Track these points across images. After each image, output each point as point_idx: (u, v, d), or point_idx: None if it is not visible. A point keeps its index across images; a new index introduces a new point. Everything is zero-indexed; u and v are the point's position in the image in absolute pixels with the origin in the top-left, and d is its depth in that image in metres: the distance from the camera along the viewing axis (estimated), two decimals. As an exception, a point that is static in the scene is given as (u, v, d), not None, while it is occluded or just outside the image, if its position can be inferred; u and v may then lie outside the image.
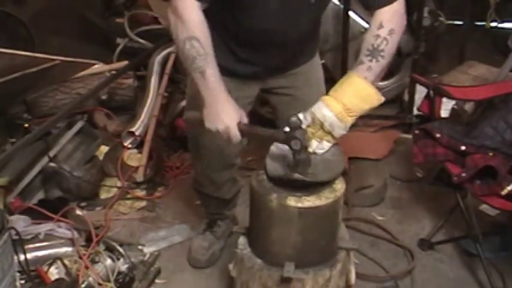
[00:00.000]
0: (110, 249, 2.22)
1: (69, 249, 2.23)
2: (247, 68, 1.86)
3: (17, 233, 1.94)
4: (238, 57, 1.84)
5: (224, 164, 2.14)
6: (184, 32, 1.56)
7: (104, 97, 3.36)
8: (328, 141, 1.54)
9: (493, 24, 4.03)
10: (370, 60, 1.56)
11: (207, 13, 1.61)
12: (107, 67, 3.42)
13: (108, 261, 2.16)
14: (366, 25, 3.44)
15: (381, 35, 1.58)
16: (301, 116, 1.51)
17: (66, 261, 2.15)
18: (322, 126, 1.52)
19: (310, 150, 1.52)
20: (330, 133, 1.52)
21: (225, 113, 1.56)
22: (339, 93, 1.53)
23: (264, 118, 2.84)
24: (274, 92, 2.01)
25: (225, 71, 1.84)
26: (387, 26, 1.59)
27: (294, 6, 1.68)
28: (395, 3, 1.60)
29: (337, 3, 3.25)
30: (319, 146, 1.53)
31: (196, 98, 1.65)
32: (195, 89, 1.62)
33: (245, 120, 1.59)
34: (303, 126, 1.50)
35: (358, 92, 1.53)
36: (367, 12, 1.65)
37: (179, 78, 3.57)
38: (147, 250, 2.36)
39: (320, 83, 2.07)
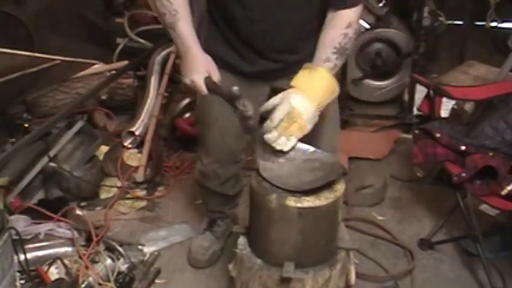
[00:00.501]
0: (110, 249, 2.22)
1: (69, 249, 2.23)
2: (250, 67, 1.86)
3: (17, 233, 1.94)
4: (240, 54, 1.84)
5: (230, 159, 2.14)
6: None
7: (104, 97, 3.36)
8: (297, 136, 1.54)
9: (493, 24, 4.04)
10: (337, 58, 1.61)
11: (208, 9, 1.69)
12: (107, 67, 3.42)
13: (108, 261, 2.16)
14: (366, 25, 3.46)
15: (349, 34, 1.62)
16: (276, 111, 1.52)
17: (66, 261, 2.14)
18: (298, 119, 1.51)
19: (278, 147, 1.53)
20: (302, 128, 1.53)
21: (193, 67, 1.66)
22: (313, 87, 1.55)
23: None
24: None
25: (231, 69, 1.86)
26: (354, 26, 1.63)
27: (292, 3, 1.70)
28: (359, 6, 1.65)
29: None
30: (288, 143, 1.53)
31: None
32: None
33: (216, 75, 1.66)
34: (275, 121, 1.51)
35: (328, 88, 1.58)
36: (331, 9, 1.65)
37: (179, 78, 3.57)
38: (147, 250, 2.36)
39: None
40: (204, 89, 1.64)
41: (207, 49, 1.77)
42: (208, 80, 1.64)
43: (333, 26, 1.64)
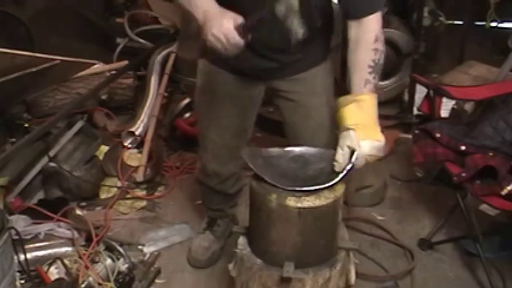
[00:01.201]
0: (110, 249, 2.22)
1: (69, 249, 2.23)
2: (247, 66, 1.84)
3: (17, 233, 1.94)
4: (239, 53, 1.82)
5: (230, 156, 2.14)
6: None
7: (104, 97, 3.36)
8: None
9: (493, 24, 4.02)
10: (374, 78, 1.57)
11: None
12: (107, 67, 3.41)
13: (108, 261, 2.16)
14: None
15: (379, 48, 1.58)
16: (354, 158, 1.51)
17: (66, 261, 2.14)
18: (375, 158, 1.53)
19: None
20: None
21: (218, 19, 1.49)
22: (370, 121, 1.53)
23: (264, 118, 2.83)
24: (278, 95, 1.98)
25: (229, 68, 1.85)
26: (381, 38, 1.59)
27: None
28: (379, 13, 1.60)
29: (337, 3, 3.24)
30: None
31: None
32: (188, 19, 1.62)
33: (240, 20, 1.50)
34: (355, 167, 1.51)
35: (375, 110, 1.56)
36: (353, 20, 1.60)
37: (179, 78, 3.57)
38: (147, 250, 2.37)
39: (328, 92, 1.98)
40: (238, 38, 1.47)
41: (205, 49, 1.74)
42: (238, 27, 1.48)
43: (360, 45, 1.59)
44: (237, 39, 1.47)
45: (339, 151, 1.52)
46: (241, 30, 1.48)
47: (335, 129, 1.74)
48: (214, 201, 2.35)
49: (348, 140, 1.51)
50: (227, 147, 2.09)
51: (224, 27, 1.46)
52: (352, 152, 1.50)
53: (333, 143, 1.59)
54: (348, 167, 1.51)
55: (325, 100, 1.95)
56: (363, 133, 1.51)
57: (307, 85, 1.92)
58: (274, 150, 1.63)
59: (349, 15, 1.63)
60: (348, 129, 1.52)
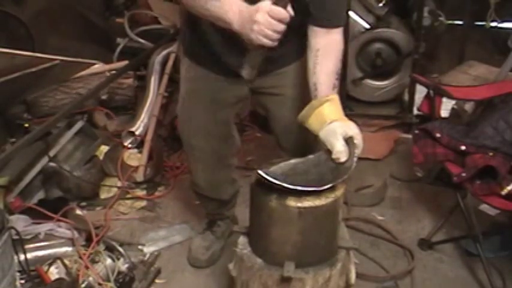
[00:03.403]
0: (110, 249, 2.22)
1: (69, 249, 2.23)
2: (230, 65, 1.81)
3: (17, 233, 1.95)
4: (223, 53, 1.81)
5: (220, 164, 2.15)
6: None
7: (104, 97, 3.36)
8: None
9: (493, 24, 4.02)
10: (339, 83, 1.69)
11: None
12: (107, 67, 3.41)
13: (108, 261, 2.16)
14: (366, 25, 3.46)
15: (340, 58, 1.69)
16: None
17: (66, 261, 2.15)
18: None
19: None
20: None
21: (254, 10, 1.47)
22: (343, 115, 1.61)
23: (264, 118, 2.83)
24: (264, 92, 1.98)
25: (215, 68, 1.86)
26: (342, 47, 1.71)
27: None
28: (341, 28, 1.71)
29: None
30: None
31: (196, 82, 1.76)
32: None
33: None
34: (359, 148, 1.54)
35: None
36: (318, 28, 1.68)
37: (179, 78, 3.57)
38: (147, 250, 2.36)
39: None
40: (283, 12, 1.47)
41: (191, 50, 1.78)
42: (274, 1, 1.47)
43: (330, 55, 1.67)
44: (283, 12, 1.47)
45: (336, 142, 1.52)
46: (278, 3, 1.48)
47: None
48: (211, 208, 2.36)
49: (338, 129, 1.54)
50: (216, 154, 2.09)
51: (266, 10, 1.45)
52: (347, 138, 1.53)
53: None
54: (357, 150, 1.52)
55: (308, 92, 1.97)
56: (344, 121, 1.57)
57: (293, 77, 1.94)
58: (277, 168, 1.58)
59: (322, 23, 1.68)
60: (331, 122, 1.56)
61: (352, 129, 1.54)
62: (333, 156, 1.52)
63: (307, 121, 1.61)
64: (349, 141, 1.52)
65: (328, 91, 1.63)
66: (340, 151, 1.51)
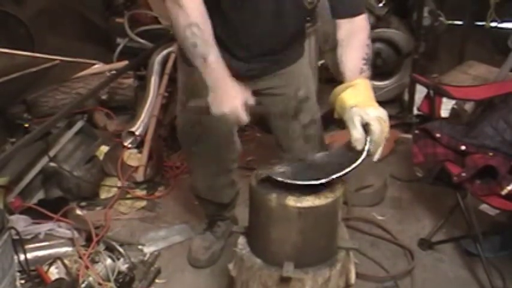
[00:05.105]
0: (110, 249, 2.22)
1: (69, 249, 2.23)
2: (242, 66, 1.84)
3: (17, 233, 1.95)
4: (234, 54, 1.82)
5: (220, 169, 2.15)
6: (184, 19, 1.56)
7: (104, 97, 3.36)
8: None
9: (493, 24, 4.03)
10: (368, 69, 1.65)
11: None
12: (107, 67, 3.42)
13: (108, 261, 2.16)
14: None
15: (369, 44, 1.69)
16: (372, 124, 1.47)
17: (66, 261, 2.15)
18: (385, 125, 1.49)
19: (376, 158, 1.50)
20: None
21: (230, 96, 1.52)
22: (371, 98, 1.56)
23: (264, 118, 2.83)
24: (266, 93, 1.97)
25: None
26: (369, 33, 1.71)
27: (287, 9, 1.70)
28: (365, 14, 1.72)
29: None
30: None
31: (197, 86, 1.66)
32: (197, 78, 1.60)
33: (251, 100, 1.56)
34: (375, 135, 1.46)
35: (371, 91, 1.60)
36: (344, 18, 1.70)
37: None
38: (147, 250, 2.37)
39: (307, 81, 2.04)
40: (245, 116, 1.52)
41: None
42: (248, 107, 1.53)
43: (354, 41, 1.67)
44: (244, 118, 1.53)
45: (353, 130, 1.47)
46: (247, 107, 1.53)
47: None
48: (210, 210, 2.37)
49: (355, 116, 1.48)
50: (217, 161, 2.09)
51: (236, 110, 1.51)
52: (365, 125, 1.47)
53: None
54: (372, 137, 1.45)
55: (306, 90, 2.00)
56: (365, 106, 1.51)
57: (293, 76, 1.96)
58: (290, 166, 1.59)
59: (344, 14, 1.70)
60: (351, 108, 1.51)
61: (368, 113, 1.47)
62: (352, 144, 1.48)
63: (335, 108, 1.59)
64: (366, 128, 1.47)
65: (354, 77, 1.60)
66: (356, 139, 1.46)
